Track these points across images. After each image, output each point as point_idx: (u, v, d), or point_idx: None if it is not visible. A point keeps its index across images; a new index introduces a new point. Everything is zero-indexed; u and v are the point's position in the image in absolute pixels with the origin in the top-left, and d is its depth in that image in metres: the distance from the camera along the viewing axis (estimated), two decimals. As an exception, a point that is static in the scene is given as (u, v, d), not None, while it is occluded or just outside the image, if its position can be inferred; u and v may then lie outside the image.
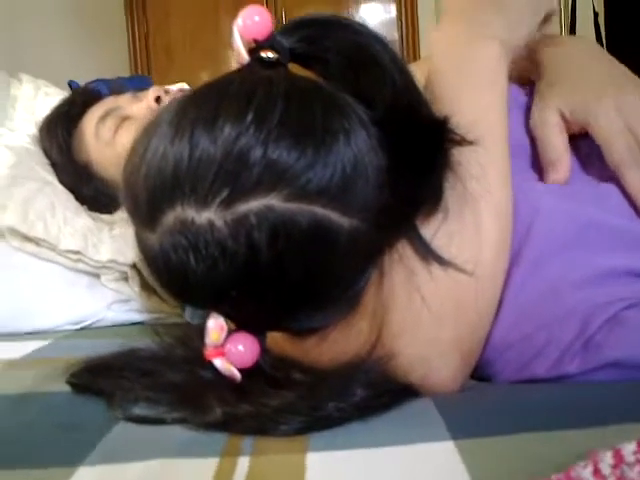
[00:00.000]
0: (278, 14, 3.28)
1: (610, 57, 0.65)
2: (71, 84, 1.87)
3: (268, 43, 0.50)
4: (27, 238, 0.75)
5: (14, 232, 0.74)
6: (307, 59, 0.52)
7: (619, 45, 2.81)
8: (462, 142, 0.49)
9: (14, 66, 1.52)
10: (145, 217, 0.46)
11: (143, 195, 0.46)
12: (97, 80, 1.93)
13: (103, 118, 0.91)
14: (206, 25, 3.32)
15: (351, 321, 0.49)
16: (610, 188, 0.58)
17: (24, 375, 0.56)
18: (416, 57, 3.32)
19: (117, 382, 0.51)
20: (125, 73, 3.24)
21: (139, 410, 0.48)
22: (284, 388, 0.47)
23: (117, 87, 1.90)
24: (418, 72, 0.83)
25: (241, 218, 0.42)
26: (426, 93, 0.57)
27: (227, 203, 0.42)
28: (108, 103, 0.95)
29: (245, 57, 0.50)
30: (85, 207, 0.86)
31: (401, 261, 0.49)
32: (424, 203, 0.50)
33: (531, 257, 0.53)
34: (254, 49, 0.50)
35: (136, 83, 2.04)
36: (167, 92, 0.94)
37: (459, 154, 0.50)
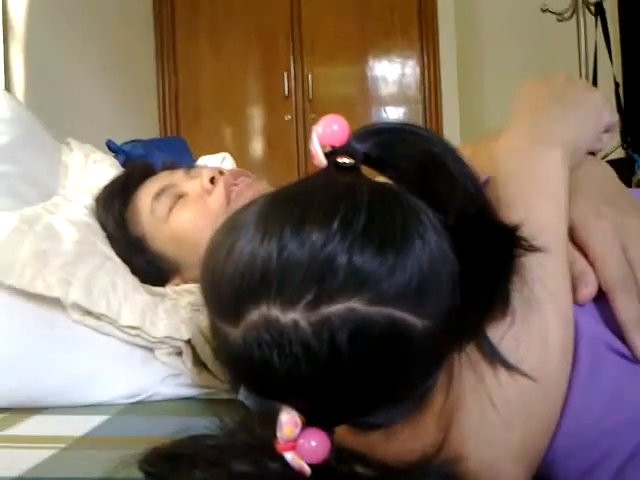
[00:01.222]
0: (305, 73, 3.38)
1: (619, 183, 0.66)
2: (109, 144, 1.94)
3: (344, 149, 0.54)
4: (88, 312, 0.78)
5: (77, 307, 0.77)
6: (380, 163, 0.55)
7: (638, 114, 2.87)
8: (530, 249, 0.52)
9: (57, 127, 1.57)
10: (229, 312, 0.49)
11: (228, 291, 0.48)
12: (134, 141, 2.00)
13: (158, 195, 0.95)
14: (233, 87, 3.41)
15: (418, 419, 0.51)
16: None
17: (98, 456, 0.58)
18: (438, 116, 3.38)
19: (190, 473, 0.53)
20: (155, 130, 3.33)
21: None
22: None
23: (153, 148, 1.96)
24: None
25: (324, 320, 0.45)
26: (490, 194, 0.60)
27: (312, 305, 0.45)
28: (163, 179, 0.99)
29: (323, 162, 0.54)
30: (139, 279, 0.89)
31: (470, 364, 0.51)
32: (493, 308, 0.52)
33: (590, 361, 0.55)
34: (331, 153, 0.54)
35: (171, 144, 2.11)
36: (221, 173, 0.97)
37: (525, 258, 0.53)
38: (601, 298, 0.58)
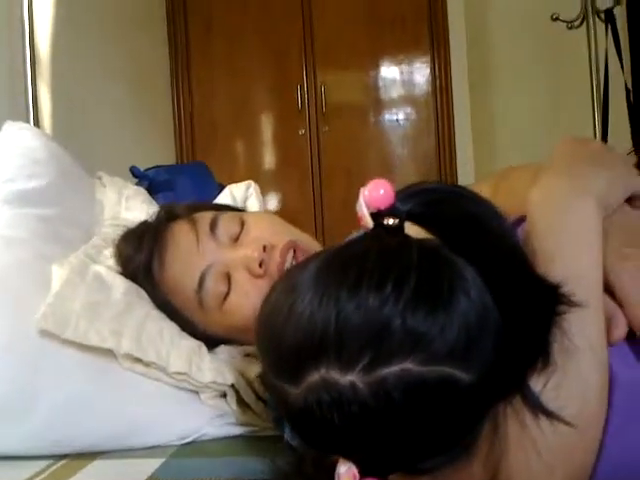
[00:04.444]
0: (318, 88, 3.42)
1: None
2: (133, 170, 1.99)
3: (390, 211, 0.57)
4: (138, 359, 0.82)
5: (128, 356, 0.81)
6: (422, 220, 0.59)
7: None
8: (571, 304, 0.56)
9: (84, 154, 1.62)
10: (289, 372, 0.53)
11: (288, 353, 0.53)
12: (156, 167, 2.05)
13: (202, 280, 0.86)
14: (247, 102, 3.46)
15: (465, 465, 0.55)
16: None
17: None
18: (450, 122, 3.41)
19: None
20: (171, 147, 3.38)
21: None
22: None
23: (176, 173, 2.01)
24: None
25: (380, 381, 0.49)
26: (527, 244, 0.63)
27: (368, 368, 0.49)
28: (200, 255, 0.87)
29: (370, 224, 0.58)
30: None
31: (513, 412, 0.55)
32: (535, 360, 0.55)
33: (625, 406, 0.59)
34: (377, 215, 0.58)
35: (194, 169, 2.16)
36: (265, 248, 0.86)
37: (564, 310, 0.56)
38: (634, 338, 0.62)
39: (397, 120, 3.49)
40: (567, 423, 0.54)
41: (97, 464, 0.78)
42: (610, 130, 2.76)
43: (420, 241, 0.56)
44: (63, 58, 2.02)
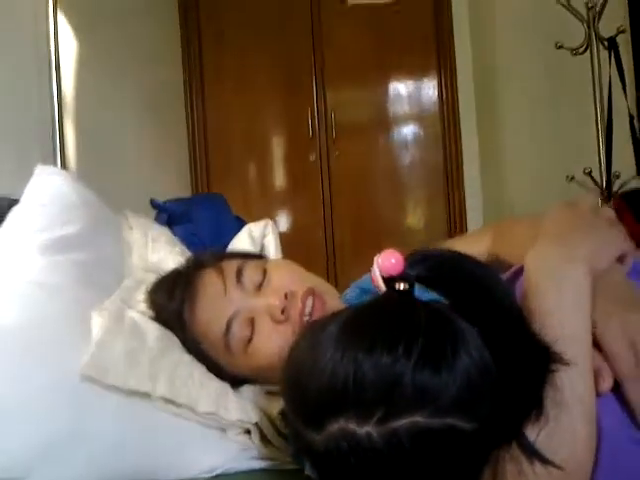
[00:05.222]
0: (329, 114, 3.50)
1: (627, 283, 0.74)
2: (153, 203, 2.07)
3: (401, 277, 0.65)
4: (171, 401, 0.89)
5: (162, 398, 0.89)
6: (429, 283, 0.67)
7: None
8: (562, 362, 0.63)
9: (107, 188, 1.69)
10: (311, 420, 0.60)
11: (311, 404, 0.60)
12: (175, 200, 2.13)
13: (229, 326, 0.92)
14: (259, 128, 3.54)
15: None
16: None
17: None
18: (457, 135, 3.48)
19: None
20: (186, 173, 3.47)
21: None
22: None
23: (195, 205, 2.09)
24: (480, 244, 0.99)
25: (393, 433, 0.56)
26: (524, 301, 0.71)
27: (382, 421, 0.56)
28: (227, 301, 0.93)
29: (383, 288, 0.66)
30: None
31: (511, 458, 0.62)
32: (529, 411, 0.63)
33: (609, 453, 0.66)
34: (389, 280, 0.65)
35: (212, 201, 2.24)
36: (286, 296, 0.92)
37: (556, 367, 0.63)
38: (620, 390, 0.68)
39: (405, 144, 3.57)
40: (559, 468, 0.61)
41: (134, 497, 0.86)
42: (614, 156, 2.83)
43: (427, 305, 0.63)
44: (86, 97, 2.12)
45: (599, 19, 2.89)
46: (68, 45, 2.06)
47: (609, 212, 0.82)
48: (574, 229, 0.75)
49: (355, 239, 3.51)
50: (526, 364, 0.63)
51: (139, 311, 1.01)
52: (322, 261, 3.49)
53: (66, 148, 1.89)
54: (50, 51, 1.83)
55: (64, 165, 1.83)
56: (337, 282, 3.40)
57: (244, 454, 0.94)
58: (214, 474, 0.92)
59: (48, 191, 1.26)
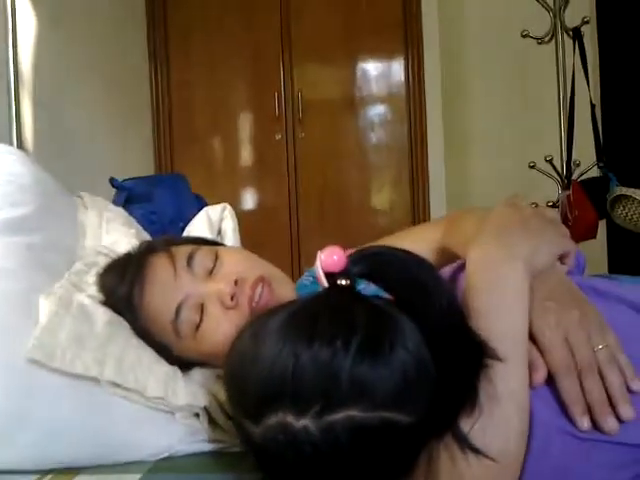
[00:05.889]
0: (296, 93, 3.49)
1: (565, 280, 0.77)
2: (113, 182, 2.05)
3: (343, 274, 0.67)
4: (119, 385, 0.90)
5: (110, 382, 0.89)
6: (371, 279, 0.68)
7: (613, 134, 3.01)
8: (496, 358, 0.65)
9: (64, 166, 1.68)
10: (250, 412, 0.62)
11: (251, 394, 0.62)
12: (134, 178, 2.11)
13: (178, 312, 0.93)
14: (226, 107, 3.52)
15: None
16: None
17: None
18: (422, 115, 3.50)
19: None
20: (149, 149, 3.43)
21: None
22: None
23: (154, 185, 2.07)
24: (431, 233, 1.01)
25: (329, 426, 0.58)
26: (463, 299, 0.73)
27: (319, 414, 0.58)
28: (184, 286, 0.94)
29: (325, 284, 0.67)
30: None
31: (445, 448, 0.65)
32: (464, 404, 0.65)
33: (541, 442, 0.68)
34: (331, 276, 0.67)
35: (172, 181, 2.22)
36: (236, 282, 0.93)
37: (490, 362, 0.66)
38: (553, 383, 0.71)
39: (372, 125, 3.58)
40: (491, 459, 0.64)
41: (80, 479, 0.86)
42: (575, 144, 2.88)
43: (366, 301, 0.65)
44: (44, 70, 2.08)
45: (565, 9, 2.92)
46: (24, 15, 2.02)
47: (551, 212, 0.84)
48: (515, 228, 0.77)
49: (320, 219, 3.52)
50: (462, 360, 0.65)
51: (89, 295, 1.01)
52: (286, 240, 3.50)
53: (22, 127, 1.85)
54: (7, 22, 1.79)
55: (20, 144, 1.80)
56: (300, 262, 3.41)
57: (193, 437, 0.95)
58: (162, 456, 0.93)
59: (2, 170, 1.24)
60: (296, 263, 3.43)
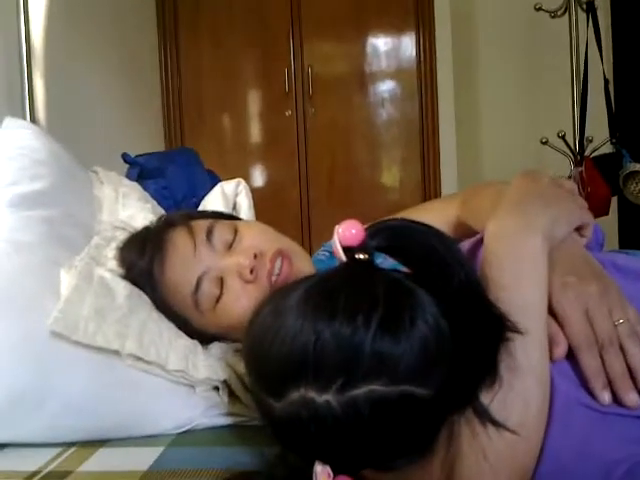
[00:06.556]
0: (305, 69, 3.46)
1: (585, 255, 0.77)
2: (125, 157, 2.05)
3: (361, 248, 0.66)
4: (140, 358, 0.91)
5: (131, 355, 0.90)
6: (389, 252, 0.68)
7: (626, 110, 2.98)
8: (516, 331, 0.65)
9: (78, 143, 1.68)
10: (272, 388, 0.62)
11: (272, 372, 0.62)
12: (147, 154, 2.11)
13: (198, 284, 0.94)
14: (235, 84, 3.50)
15: (425, 465, 0.65)
16: None
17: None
18: (434, 91, 3.48)
19: None
20: (159, 128, 3.42)
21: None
22: None
23: (166, 160, 2.07)
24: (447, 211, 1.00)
25: (351, 401, 0.58)
26: (483, 269, 0.73)
27: (341, 390, 0.58)
28: (203, 260, 0.94)
29: (343, 258, 0.67)
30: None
31: (466, 422, 0.65)
32: (484, 377, 0.65)
33: (562, 413, 0.68)
34: (349, 250, 0.66)
35: (184, 156, 2.22)
36: (256, 256, 0.93)
37: (510, 334, 0.66)
38: (574, 357, 0.71)
39: (382, 101, 3.55)
40: (512, 431, 0.64)
41: (102, 452, 0.88)
42: (588, 120, 2.85)
43: (386, 275, 0.65)
44: (56, 48, 2.07)
45: (579, -19, 2.88)
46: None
47: (569, 184, 0.84)
48: (534, 199, 0.76)
49: (329, 195, 3.51)
50: (481, 333, 0.64)
51: (108, 269, 1.01)
52: (296, 217, 3.50)
53: (35, 101, 1.85)
54: (19, 1, 1.78)
55: (33, 118, 1.80)
56: (311, 238, 3.41)
57: (212, 410, 0.96)
58: (182, 430, 0.94)
59: (16, 144, 1.24)
60: (306, 239, 3.42)
